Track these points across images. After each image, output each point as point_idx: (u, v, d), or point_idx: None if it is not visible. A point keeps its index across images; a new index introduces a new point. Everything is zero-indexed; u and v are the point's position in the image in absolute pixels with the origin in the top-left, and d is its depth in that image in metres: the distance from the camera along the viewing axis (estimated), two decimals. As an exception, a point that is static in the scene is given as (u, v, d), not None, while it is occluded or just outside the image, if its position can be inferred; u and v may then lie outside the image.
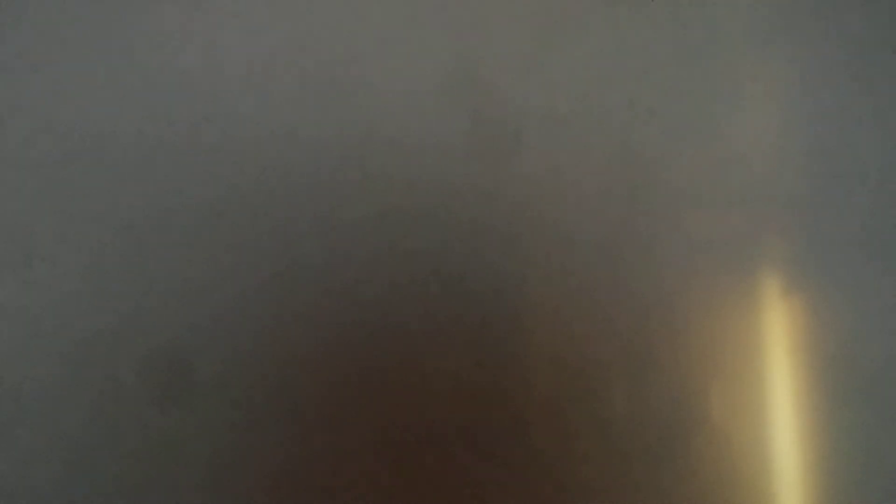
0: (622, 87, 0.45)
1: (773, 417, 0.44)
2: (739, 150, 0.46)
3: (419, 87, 0.43)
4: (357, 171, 0.42)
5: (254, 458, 0.40)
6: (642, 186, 0.44)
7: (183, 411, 0.40)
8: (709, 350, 0.44)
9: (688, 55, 0.46)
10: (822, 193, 0.46)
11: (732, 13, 0.46)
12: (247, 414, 0.41)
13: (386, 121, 0.43)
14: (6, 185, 0.40)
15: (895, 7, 0.47)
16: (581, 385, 0.43)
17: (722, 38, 0.46)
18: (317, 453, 0.41)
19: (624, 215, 0.44)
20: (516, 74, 0.44)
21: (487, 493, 0.42)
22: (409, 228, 0.42)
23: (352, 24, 0.43)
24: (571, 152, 0.44)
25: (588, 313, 0.43)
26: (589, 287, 0.43)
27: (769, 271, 0.45)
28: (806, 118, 0.46)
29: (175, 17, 0.42)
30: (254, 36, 0.43)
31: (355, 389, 0.41)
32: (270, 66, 0.43)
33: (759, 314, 0.45)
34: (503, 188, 0.43)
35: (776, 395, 0.44)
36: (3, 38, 0.41)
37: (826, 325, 0.45)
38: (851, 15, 0.47)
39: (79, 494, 0.39)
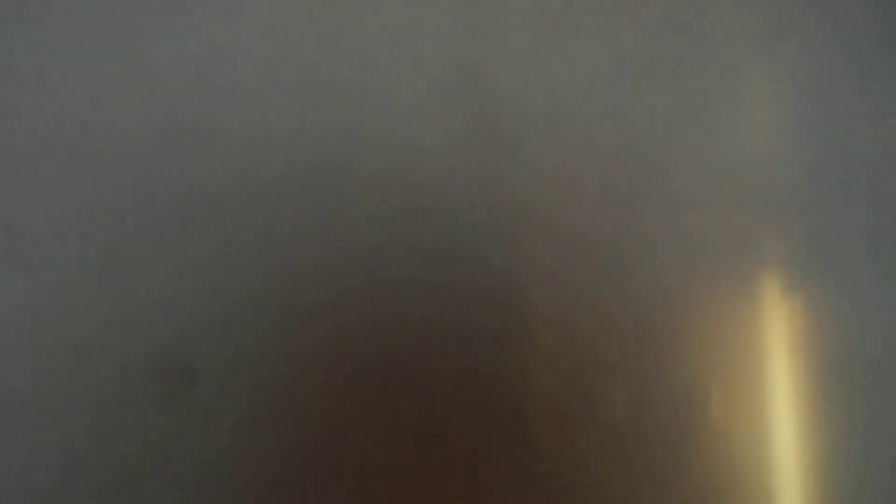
0: (622, 87, 0.45)
1: (773, 417, 0.44)
2: (740, 150, 0.46)
3: (419, 86, 0.43)
4: (357, 171, 0.42)
5: (255, 457, 0.40)
6: (642, 186, 0.44)
7: (184, 411, 0.40)
8: (709, 350, 0.44)
9: (688, 55, 0.46)
10: (822, 193, 0.46)
11: (733, 13, 0.46)
12: (248, 413, 0.41)
13: (386, 120, 0.43)
14: (7, 184, 0.40)
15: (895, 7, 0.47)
16: (581, 385, 0.43)
17: (722, 38, 0.46)
18: (318, 453, 0.41)
19: (624, 215, 0.44)
20: (516, 74, 0.44)
21: (487, 493, 0.42)
22: (409, 228, 0.42)
23: (352, 23, 0.43)
24: (571, 152, 0.44)
25: (588, 313, 0.43)
26: (589, 287, 0.43)
27: (769, 271, 0.45)
28: (806, 118, 0.46)
29: (176, 18, 0.42)
30: (254, 36, 0.43)
31: (356, 389, 0.41)
32: (271, 65, 0.43)
33: (759, 314, 0.45)
34: (503, 188, 0.43)
35: (776, 395, 0.44)
36: (3, 39, 0.41)
37: (826, 325, 0.45)
38: (852, 15, 0.47)
39: (79, 494, 0.39)
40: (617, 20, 0.45)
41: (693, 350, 0.44)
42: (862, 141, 0.46)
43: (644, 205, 0.44)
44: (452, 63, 0.44)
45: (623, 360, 0.43)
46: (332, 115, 0.43)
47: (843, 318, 0.45)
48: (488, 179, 0.43)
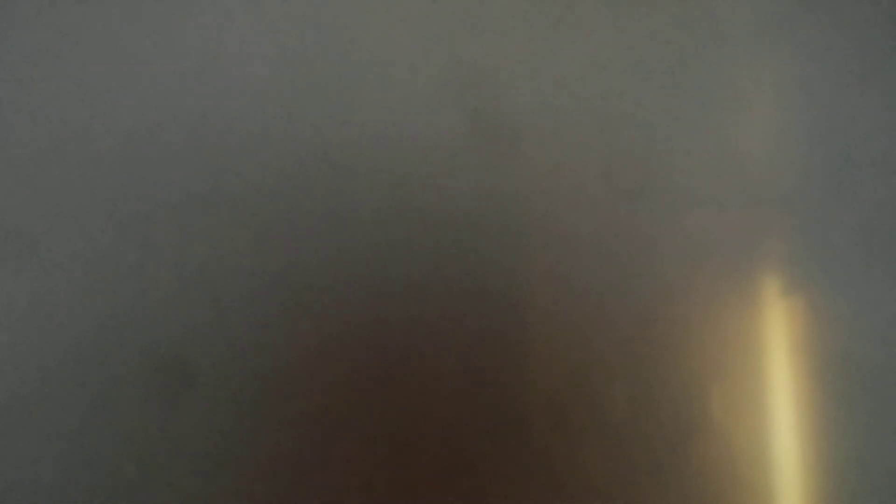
0: (622, 87, 0.45)
1: (773, 417, 0.44)
2: (739, 150, 0.46)
3: (419, 85, 0.43)
4: (356, 170, 0.42)
5: (254, 456, 0.40)
6: (642, 186, 0.44)
7: (182, 410, 0.40)
8: (709, 350, 0.44)
9: (688, 55, 0.46)
10: (822, 193, 0.46)
11: (733, 13, 0.46)
12: (247, 413, 0.41)
13: (385, 119, 0.43)
14: (4, 183, 0.40)
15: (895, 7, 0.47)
16: (581, 385, 0.43)
17: (722, 38, 0.46)
18: (317, 452, 0.41)
19: (624, 215, 0.44)
20: (516, 74, 0.44)
21: (488, 493, 0.42)
22: (409, 227, 0.42)
23: (351, 22, 0.43)
24: (571, 151, 0.44)
25: (588, 313, 0.43)
26: (589, 287, 0.43)
27: (769, 271, 0.45)
28: (806, 118, 0.46)
29: (175, 17, 0.42)
30: (253, 35, 0.43)
31: (354, 388, 0.41)
32: (270, 64, 0.43)
33: (759, 314, 0.45)
34: (503, 187, 0.43)
35: (776, 395, 0.44)
36: (3, 38, 0.41)
37: (826, 325, 0.45)
38: (852, 15, 0.47)
39: (79, 494, 0.39)
40: (617, 19, 0.45)
41: (693, 350, 0.44)
42: (862, 141, 0.46)
43: (644, 204, 0.44)
44: (452, 62, 0.44)
45: (623, 359, 0.43)
46: (329, 114, 0.43)
47: (843, 318, 0.45)
48: (487, 178, 0.43)
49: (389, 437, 0.41)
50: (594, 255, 0.44)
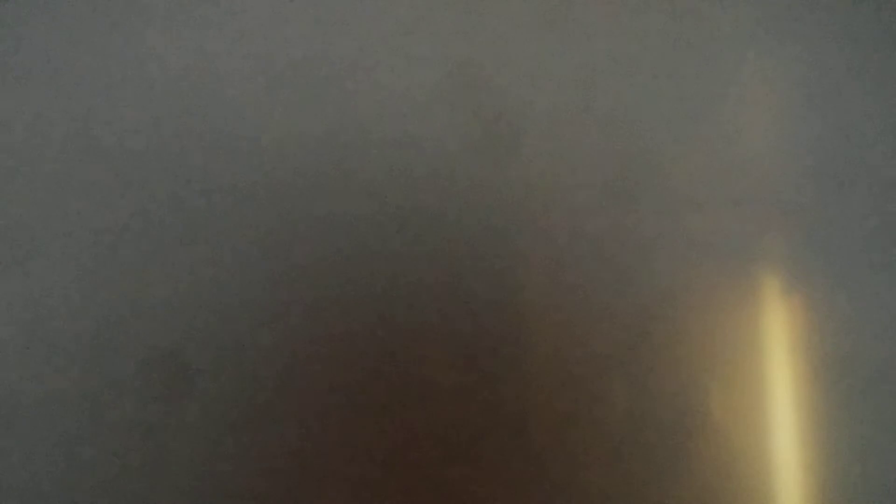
0: (622, 86, 0.45)
1: (773, 417, 0.44)
2: (740, 150, 0.46)
3: (419, 86, 0.43)
4: (357, 171, 0.42)
5: (253, 457, 0.40)
6: (642, 186, 0.44)
7: (182, 411, 0.40)
8: (709, 350, 0.44)
9: (688, 56, 0.46)
10: (823, 194, 0.46)
11: (733, 14, 0.46)
12: (246, 414, 0.41)
13: (386, 120, 0.43)
14: (6, 184, 0.40)
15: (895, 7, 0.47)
16: (581, 385, 0.43)
17: (723, 39, 0.46)
18: (316, 454, 0.41)
19: (624, 215, 0.44)
20: (516, 74, 0.44)
21: (487, 493, 0.42)
22: (409, 228, 0.42)
23: (352, 23, 0.43)
24: (571, 152, 0.44)
25: (588, 313, 0.43)
26: (589, 287, 0.43)
27: (769, 271, 0.45)
28: (807, 119, 0.46)
29: (176, 16, 0.42)
30: (254, 36, 0.43)
31: (354, 388, 0.41)
32: (270, 65, 0.43)
33: (759, 314, 0.45)
34: (503, 188, 0.43)
35: (776, 395, 0.44)
36: (3, 40, 0.41)
37: (826, 325, 0.45)
38: (853, 15, 0.47)
39: (79, 494, 0.39)
40: (617, 20, 0.45)
41: (693, 350, 0.44)
42: (862, 141, 0.46)
43: (644, 205, 0.44)
44: (452, 63, 0.44)
45: (622, 359, 0.43)
46: (330, 114, 0.43)
47: (843, 318, 0.45)
48: (487, 179, 0.43)
49: (388, 437, 0.41)
50: (594, 256, 0.44)
